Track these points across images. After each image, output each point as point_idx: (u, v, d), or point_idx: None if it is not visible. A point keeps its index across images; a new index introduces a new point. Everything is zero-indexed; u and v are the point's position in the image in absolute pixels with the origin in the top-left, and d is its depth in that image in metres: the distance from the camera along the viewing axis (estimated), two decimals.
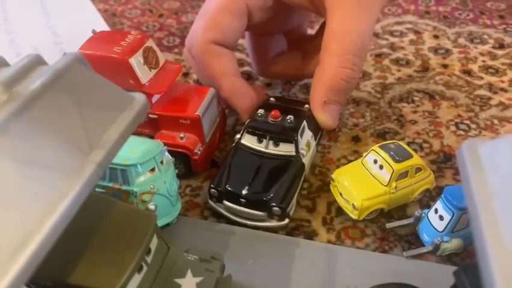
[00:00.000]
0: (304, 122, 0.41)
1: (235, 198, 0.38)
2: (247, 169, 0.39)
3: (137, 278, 0.26)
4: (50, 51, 0.63)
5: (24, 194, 0.17)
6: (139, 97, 0.25)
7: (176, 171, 0.39)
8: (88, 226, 0.27)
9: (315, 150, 0.44)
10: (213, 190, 0.39)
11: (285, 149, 0.40)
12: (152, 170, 0.36)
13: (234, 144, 0.42)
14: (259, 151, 0.40)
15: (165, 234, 0.30)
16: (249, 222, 0.38)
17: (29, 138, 0.19)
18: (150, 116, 0.42)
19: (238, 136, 0.42)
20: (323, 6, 0.42)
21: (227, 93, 0.44)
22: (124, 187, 0.35)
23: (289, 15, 0.50)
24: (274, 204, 0.37)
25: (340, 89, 0.41)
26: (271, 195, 0.37)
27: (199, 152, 0.42)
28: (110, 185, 0.35)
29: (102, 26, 0.70)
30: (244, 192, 0.38)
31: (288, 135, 0.40)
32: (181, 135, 0.42)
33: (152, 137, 0.41)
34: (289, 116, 0.41)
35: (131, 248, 0.26)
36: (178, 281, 0.28)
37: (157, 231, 0.29)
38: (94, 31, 0.43)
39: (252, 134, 0.41)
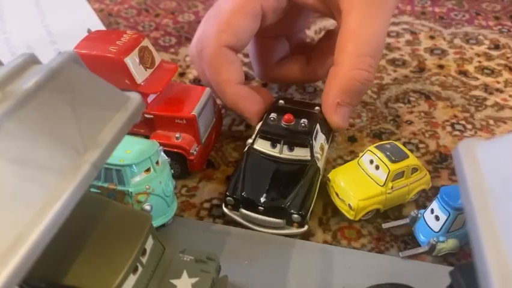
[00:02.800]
0: (318, 126, 0.41)
1: (252, 206, 0.37)
2: (262, 175, 0.38)
3: (132, 279, 0.26)
4: (45, 50, 0.63)
5: (17, 194, 0.17)
6: (134, 97, 0.25)
7: (172, 171, 0.39)
8: (83, 227, 0.27)
9: (327, 153, 0.44)
10: (229, 198, 0.38)
11: (300, 153, 0.39)
12: (148, 170, 0.35)
13: (246, 150, 0.41)
14: (274, 156, 0.40)
15: (161, 235, 0.30)
16: (266, 230, 0.38)
17: (22, 138, 0.19)
18: (146, 116, 0.42)
19: (250, 141, 0.41)
20: (336, 8, 0.42)
21: (231, 99, 0.43)
22: (119, 187, 0.35)
23: (296, 18, 0.50)
24: (293, 211, 0.36)
25: (355, 91, 0.41)
26: (290, 202, 0.37)
27: (195, 152, 0.42)
28: (105, 185, 0.35)
29: (98, 25, 0.69)
30: (262, 199, 0.37)
31: (302, 139, 0.39)
32: (177, 135, 0.42)
33: (147, 137, 0.41)
34: (303, 119, 0.40)
35: (126, 249, 0.26)
36: (174, 281, 0.28)
37: (152, 231, 0.29)
38: (89, 30, 0.43)
39: (266, 138, 0.40)
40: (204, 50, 0.43)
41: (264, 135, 0.40)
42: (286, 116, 0.40)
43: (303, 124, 0.40)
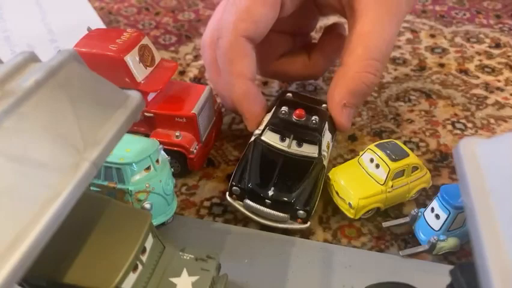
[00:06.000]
0: (326, 124, 0.41)
1: (259, 198, 0.37)
2: (269, 168, 0.38)
3: (132, 277, 0.26)
4: (46, 49, 0.63)
5: (17, 192, 0.17)
6: (134, 95, 0.25)
7: (172, 170, 0.38)
8: (83, 225, 0.27)
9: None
10: (235, 188, 0.38)
11: (308, 149, 0.39)
12: (148, 168, 0.35)
13: (253, 140, 0.41)
14: (282, 150, 0.39)
15: (161, 233, 0.30)
16: (268, 223, 0.38)
17: (21, 135, 0.19)
18: (146, 114, 0.42)
19: (257, 132, 0.41)
20: (350, 6, 0.41)
21: (239, 96, 0.42)
22: (119, 186, 0.35)
23: (307, 15, 0.49)
24: (299, 207, 0.37)
25: (361, 93, 0.41)
26: (297, 197, 0.37)
27: (195, 151, 0.42)
28: (105, 183, 0.35)
29: (98, 23, 0.69)
30: (270, 193, 0.37)
31: (313, 136, 0.39)
32: (177, 133, 0.41)
33: (148, 136, 0.41)
34: (314, 116, 0.40)
35: (126, 247, 0.26)
36: (174, 280, 0.28)
37: (152, 230, 0.29)
38: (89, 29, 0.43)
39: (275, 131, 0.40)
40: (221, 39, 0.42)
41: (274, 128, 0.40)
42: (298, 111, 0.40)
43: (314, 121, 0.40)
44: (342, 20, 0.47)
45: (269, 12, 0.41)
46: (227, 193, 0.39)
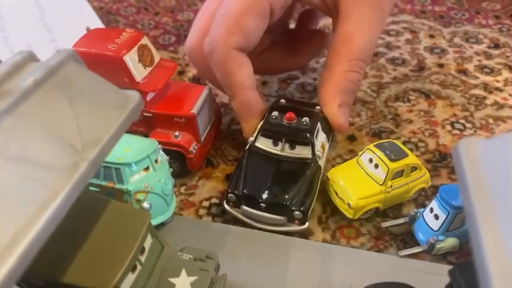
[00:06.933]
0: (319, 124, 0.41)
1: (254, 203, 0.37)
2: (264, 173, 0.39)
3: (131, 278, 0.26)
4: (45, 48, 0.62)
5: (15, 192, 0.17)
6: (133, 95, 0.25)
7: (171, 169, 0.38)
8: (81, 225, 0.27)
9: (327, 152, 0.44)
10: (230, 195, 0.38)
11: (302, 151, 0.39)
12: (147, 168, 0.35)
13: (247, 147, 0.41)
14: (275, 154, 0.40)
15: (159, 233, 0.30)
16: (267, 227, 0.38)
17: (20, 135, 0.19)
18: (145, 114, 0.42)
19: (251, 139, 0.41)
20: (335, 8, 0.42)
21: (239, 106, 0.43)
22: (118, 186, 0.35)
23: (291, 12, 0.50)
24: (294, 208, 0.37)
25: (349, 91, 0.43)
26: (292, 199, 0.37)
27: (194, 151, 0.42)
28: (104, 183, 0.35)
29: (97, 23, 0.69)
30: (264, 196, 0.37)
31: (304, 137, 0.39)
32: (176, 133, 0.41)
33: (147, 136, 0.41)
34: (304, 118, 0.40)
35: (124, 247, 0.26)
36: (173, 280, 0.28)
37: (151, 230, 0.29)
38: (88, 29, 0.42)
39: (267, 136, 0.40)
40: (214, 53, 0.42)
41: (265, 133, 0.40)
42: (288, 115, 0.40)
43: (304, 122, 0.40)
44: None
45: (259, 23, 0.41)
46: (224, 201, 0.39)
